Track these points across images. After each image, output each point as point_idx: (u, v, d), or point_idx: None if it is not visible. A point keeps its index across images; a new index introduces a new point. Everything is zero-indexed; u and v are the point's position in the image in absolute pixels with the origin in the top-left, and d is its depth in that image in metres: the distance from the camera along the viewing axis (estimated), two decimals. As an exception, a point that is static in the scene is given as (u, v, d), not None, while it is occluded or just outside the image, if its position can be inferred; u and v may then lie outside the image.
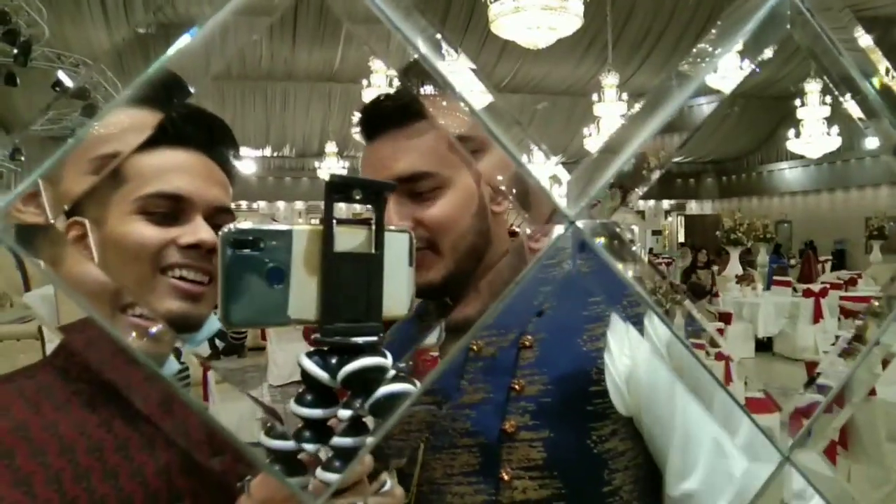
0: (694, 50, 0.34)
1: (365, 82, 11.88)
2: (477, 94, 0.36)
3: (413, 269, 0.61)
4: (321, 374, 0.56)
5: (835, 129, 12.94)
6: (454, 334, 1.00)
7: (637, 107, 0.35)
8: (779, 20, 0.34)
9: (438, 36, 0.34)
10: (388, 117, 0.97)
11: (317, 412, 0.57)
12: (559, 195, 0.36)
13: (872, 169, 18.77)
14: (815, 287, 9.90)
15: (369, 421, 0.57)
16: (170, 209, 0.84)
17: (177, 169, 0.85)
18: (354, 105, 12.26)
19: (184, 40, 0.28)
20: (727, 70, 0.37)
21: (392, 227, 0.59)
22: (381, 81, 10.86)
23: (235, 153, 0.95)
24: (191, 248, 0.83)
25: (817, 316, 9.09)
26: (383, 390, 0.55)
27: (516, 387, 0.92)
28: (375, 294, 0.57)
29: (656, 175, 0.35)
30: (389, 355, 0.58)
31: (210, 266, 0.84)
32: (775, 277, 11.00)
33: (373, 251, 0.57)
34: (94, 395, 0.79)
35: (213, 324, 0.88)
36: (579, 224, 0.32)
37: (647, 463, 0.95)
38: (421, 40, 0.34)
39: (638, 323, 0.91)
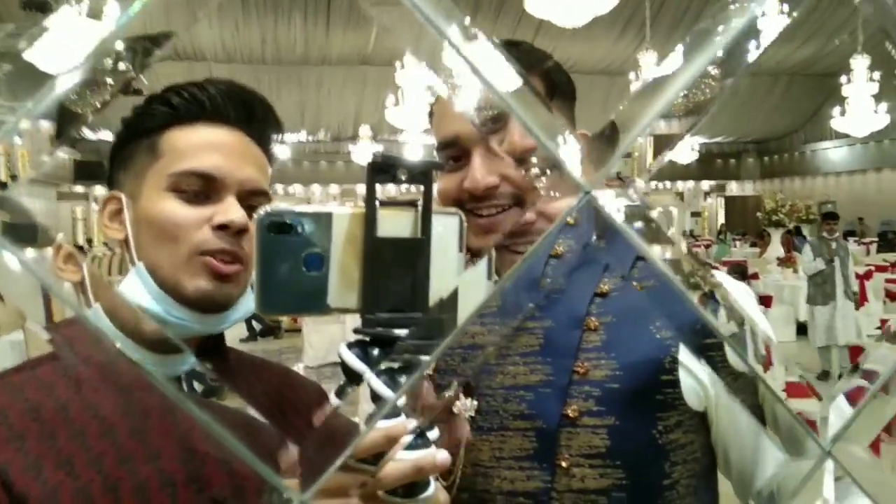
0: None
1: (398, 64, 11.87)
2: (501, 73, 0.34)
3: (463, 254, 0.56)
4: (361, 368, 0.53)
5: (882, 106, 12.50)
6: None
7: (653, 75, 0.33)
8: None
9: (467, 19, 0.33)
10: None
11: None
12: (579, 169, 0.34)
13: (923, 147, 18.17)
14: (860, 269, 9.65)
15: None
16: (202, 188, 0.83)
17: (211, 147, 0.84)
18: (388, 88, 12.25)
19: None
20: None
21: (441, 210, 0.55)
22: (414, 63, 10.81)
23: (278, 133, 0.93)
24: (221, 229, 0.82)
25: (861, 299, 8.87)
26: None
27: (579, 370, 0.88)
28: (421, 282, 0.53)
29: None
30: None
31: (240, 249, 0.83)
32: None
33: (419, 236, 0.53)
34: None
35: (248, 305, 0.87)
36: (595, 194, 0.31)
37: (704, 457, 0.92)
38: (444, 21, 0.32)
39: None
